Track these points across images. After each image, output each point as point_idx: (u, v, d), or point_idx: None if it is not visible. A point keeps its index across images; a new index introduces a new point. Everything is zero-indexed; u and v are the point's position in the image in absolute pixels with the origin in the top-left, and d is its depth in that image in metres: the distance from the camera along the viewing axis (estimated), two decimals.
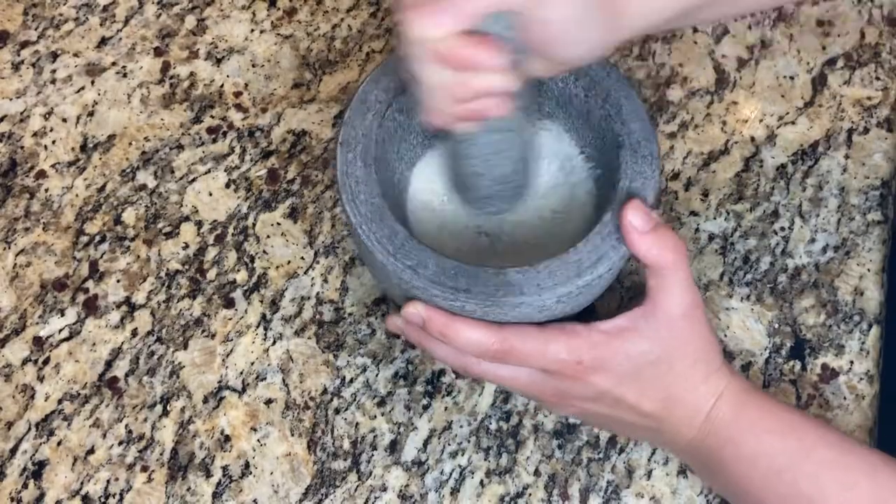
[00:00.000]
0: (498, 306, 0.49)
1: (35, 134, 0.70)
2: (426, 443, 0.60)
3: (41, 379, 0.62)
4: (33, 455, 0.60)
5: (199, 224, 0.66)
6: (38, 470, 0.59)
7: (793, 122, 0.70)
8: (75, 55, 0.73)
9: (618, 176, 0.52)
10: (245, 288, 0.64)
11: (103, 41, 0.74)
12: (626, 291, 0.63)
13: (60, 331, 0.63)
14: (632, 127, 0.54)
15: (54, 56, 0.73)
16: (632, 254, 0.50)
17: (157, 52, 0.73)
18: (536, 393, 0.52)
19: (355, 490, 0.58)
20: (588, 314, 0.52)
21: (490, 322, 0.50)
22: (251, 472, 0.59)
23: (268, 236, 0.66)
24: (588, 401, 0.52)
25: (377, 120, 0.54)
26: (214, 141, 0.70)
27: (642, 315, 0.50)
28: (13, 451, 0.60)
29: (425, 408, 0.61)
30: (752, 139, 0.69)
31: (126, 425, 0.60)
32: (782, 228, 0.66)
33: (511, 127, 0.51)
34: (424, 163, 0.60)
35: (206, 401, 0.61)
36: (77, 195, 0.67)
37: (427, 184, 0.60)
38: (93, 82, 0.72)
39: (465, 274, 0.49)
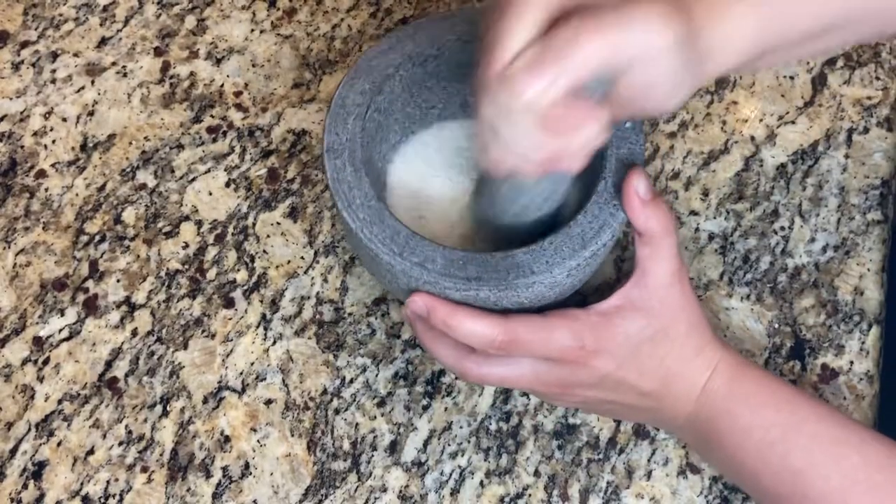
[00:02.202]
0: (511, 289, 0.49)
1: (35, 133, 0.70)
2: (426, 443, 0.60)
3: (41, 379, 0.62)
4: (33, 455, 0.60)
5: (199, 224, 0.66)
6: (37, 470, 0.59)
7: (793, 122, 0.70)
8: (75, 55, 0.73)
9: (604, 144, 0.53)
10: (245, 288, 0.64)
11: (103, 41, 0.74)
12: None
13: (60, 331, 0.63)
14: None
15: (54, 56, 0.73)
16: (629, 221, 0.51)
17: (157, 52, 0.73)
18: (539, 386, 0.53)
19: (355, 491, 0.58)
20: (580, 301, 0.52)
21: (492, 313, 0.50)
22: (251, 473, 0.59)
23: (268, 236, 0.66)
24: (590, 387, 0.52)
25: (359, 122, 0.54)
26: (214, 140, 0.70)
27: (634, 286, 0.51)
28: (13, 451, 0.60)
29: (425, 408, 0.61)
30: (752, 139, 0.69)
31: (126, 426, 0.60)
32: (782, 228, 0.66)
33: (571, 174, 0.51)
34: (399, 157, 0.61)
35: (205, 401, 0.61)
36: (77, 195, 0.67)
37: (405, 176, 0.60)
38: (93, 82, 0.72)
39: (474, 262, 0.50)
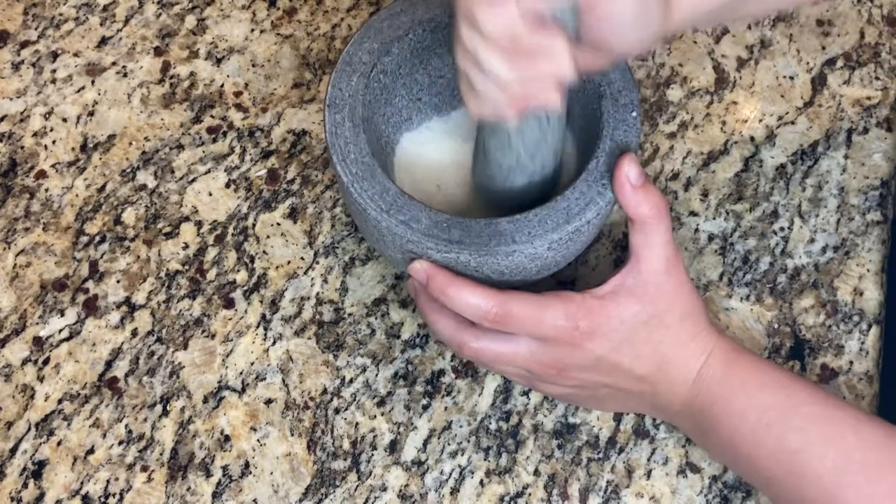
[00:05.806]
0: (491, 255, 0.50)
1: (35, 134, 0.70)
2: (426, 443, 0.60)
3: (41, 379, 0.62)
4: (33, 455, 0.60)
5: (199, 224, 0.67)
6: (37, 470, 0.59)
7: (792, 122, 0.70)
8: (75, 55, 0.73)
9: (600, 126, 0.53)
10: (245, 288, 0.64)
11: (103, 41, 0.74)
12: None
13: (60, 331, 0.63)
14: (612, 77, 0.55)
15: (54, 56, 0.73)
16: (619, 205, 0.51)
17: (157, 52, 0.73)
18: (535, 365, 0.53)
19: (355, 490, 0.59)
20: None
21: (490, 287, 0.51)
22: (251, 472, 0.59)
23: (268, 236, 0.66)
24: (585, 370, 0.53)
25: (363, 81, 0.55)
26: (214, 141, 0.70)
27: (629, 273, 0.52)
28: (13, 450, 0.60)
29: (425, 408, 0.61)
30: (752, 139, 0.69)
31: (126, 425, 0.60)
32: (782, 228, 0.66)
33: (558, 117, 0.52)
34: (414, 129, 0.62)
35: (205, 401, 0.61)
36: (77, 195, 0.68)
37: (415, 147, 0.61)
38: (93, 82, 0.72)
39: (457, 226, 0.50)
